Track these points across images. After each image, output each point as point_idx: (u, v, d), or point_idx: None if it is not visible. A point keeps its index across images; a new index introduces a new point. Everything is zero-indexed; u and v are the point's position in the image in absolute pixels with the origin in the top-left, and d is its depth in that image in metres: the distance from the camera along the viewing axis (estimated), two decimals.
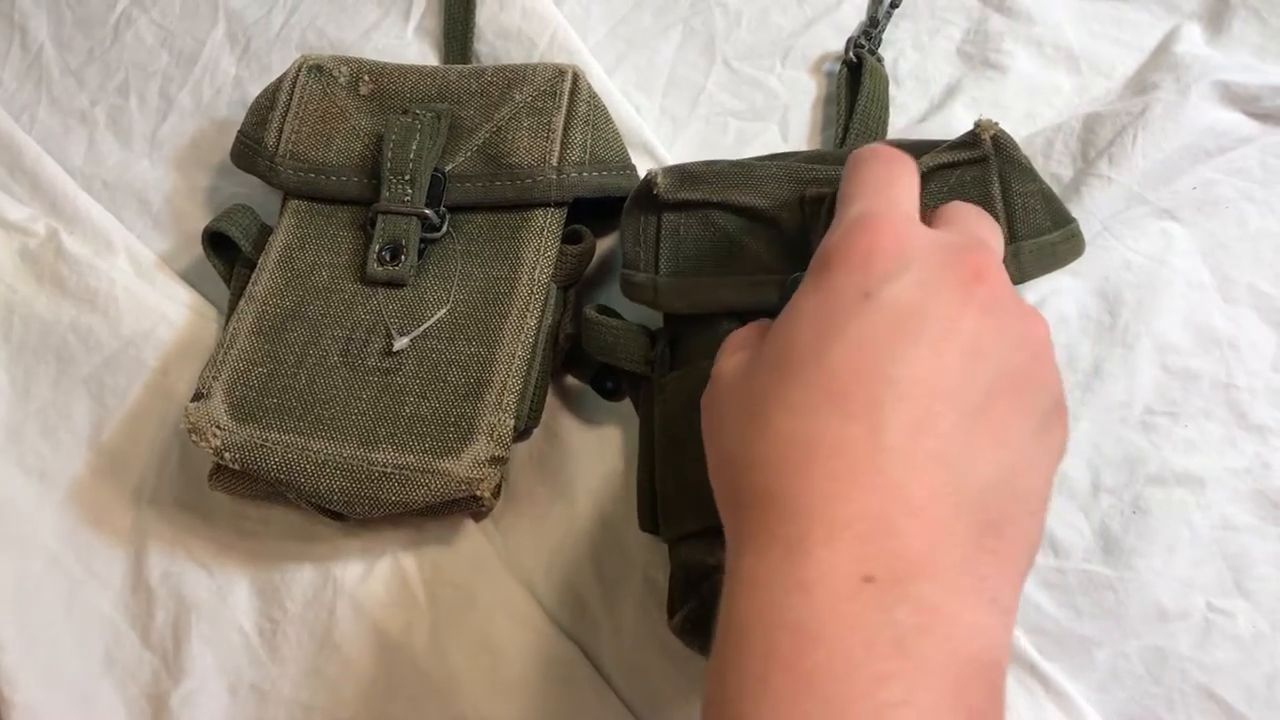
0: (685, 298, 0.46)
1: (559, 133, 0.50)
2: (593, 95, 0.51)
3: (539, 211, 0.50)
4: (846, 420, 0.30)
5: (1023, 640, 0.42)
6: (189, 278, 0.56)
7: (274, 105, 0.53)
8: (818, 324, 0.32)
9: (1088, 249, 0.48)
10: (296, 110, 0.52)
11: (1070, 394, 0.46)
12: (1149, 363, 0.46)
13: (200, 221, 0.53)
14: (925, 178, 0.43)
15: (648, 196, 0.47)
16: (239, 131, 0.54)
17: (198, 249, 0.54)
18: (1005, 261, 0.40)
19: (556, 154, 0.50)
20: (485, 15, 0.60)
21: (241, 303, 0.49)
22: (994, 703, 0.28)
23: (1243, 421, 0.45)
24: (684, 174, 0.47)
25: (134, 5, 0.64)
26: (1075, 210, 0.49)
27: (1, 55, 0.64)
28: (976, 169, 0.45)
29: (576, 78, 0.51)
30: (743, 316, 0.45)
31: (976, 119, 0.45)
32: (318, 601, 0.47)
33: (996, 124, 0.45)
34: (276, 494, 0.47)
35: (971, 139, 0.45)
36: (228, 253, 0.52)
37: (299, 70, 0.53)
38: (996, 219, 0.43)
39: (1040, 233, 0.44)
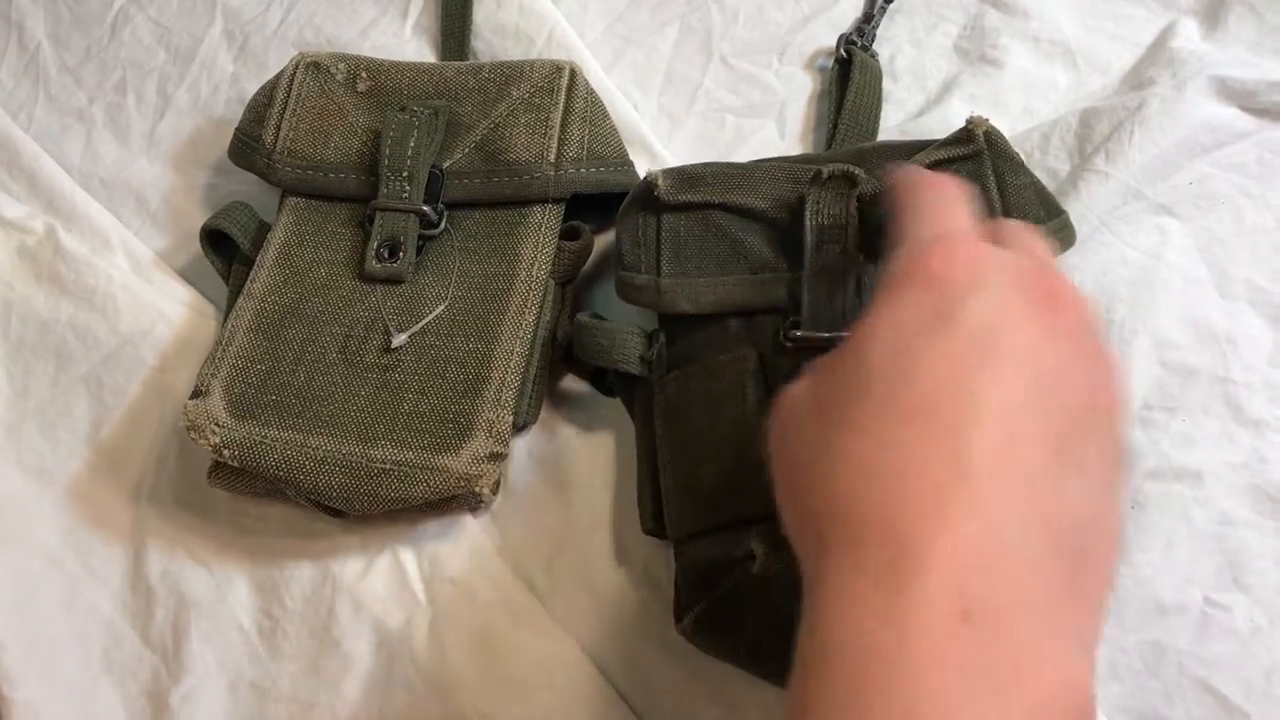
0: (691, 298, 0.46)
1: (556, 129, 0.50)
2: (590, 91, 0.51)
3: (537, 208, 0.50)
4: (928, 444, 0.29)
5: None
6: (187, 275, 0.56)
7: (271, 103, 0.53)
8: (894, 344, 0.31)
9: (1085, 244, 0.49)
10: (294, 107, 0.52)
11: None
12: (1146, 358, 0.46)
13: (198, 219, 0.53)
14: None
15: (647, 198, 0.47)
16: (236, 129, 0.54)
17: (195, 247, 0.54)
18: None
19: (554, 150, 0.50)
20: (483, 13, 0.60)
21: (240, 300, 0.49)
22: None
23: (1240, 416, 0.45)
24: (684, 176, 0.47)
25: (131, 3, 0.64)
26: (1072, 205, 0.50)
27: None
28: (972, 164, 0.45)
29: (574, 74, 0.51)
30: (749, 315, 0.45)
31: (969, 116, 0.46)
32: (317, 598, 0.47)
33: (987, 120, 0.46)
34: (275, 491, 0.47)
35: (965, 135, 0.45)
36: (226, 250, 0.52)
37: (296, 67, 0.53)
38: (993, 212, 0.44)
39: (1035, 222, 0.45)
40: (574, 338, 0.47)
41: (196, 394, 0.47)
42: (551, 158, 0.50)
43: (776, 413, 0.34)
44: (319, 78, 0.53)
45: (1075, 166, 0.51)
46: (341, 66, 0.53)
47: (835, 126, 0.53)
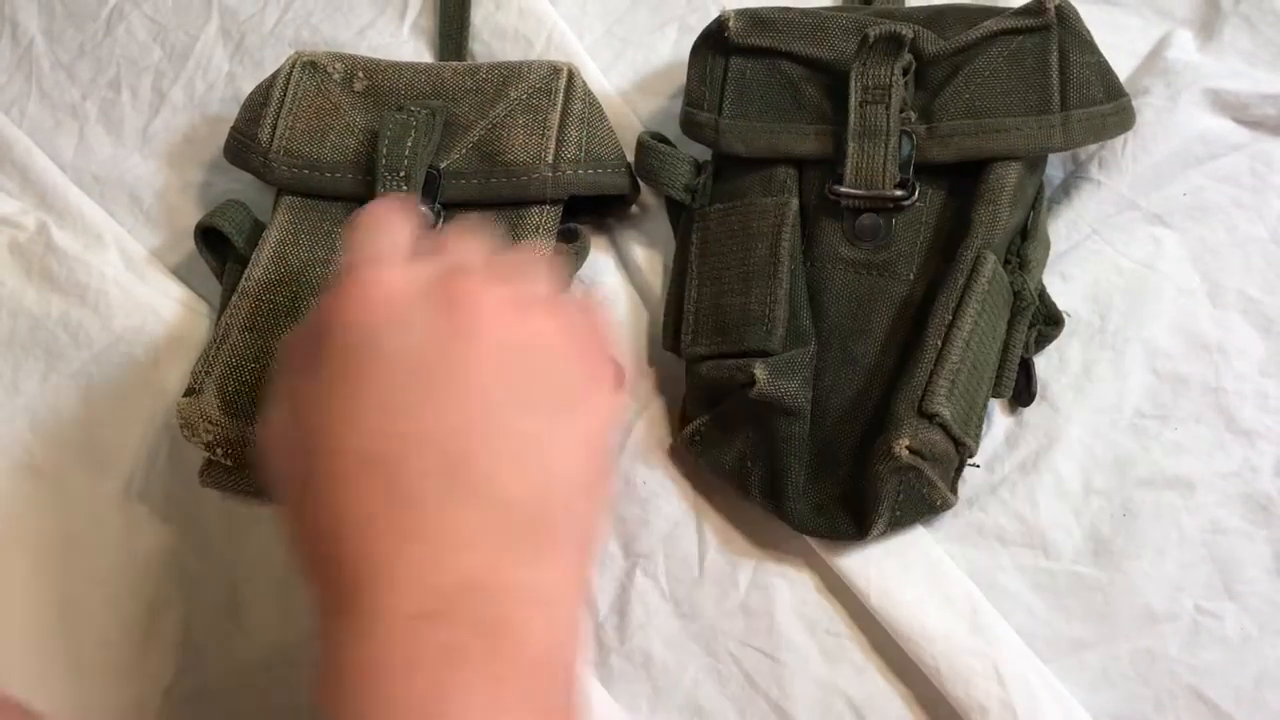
0: (746, 141, 0.49)
1: (554, 130, 0.50)
2: (588, 93, 0.51)
3: (534, 209, 0.50)
4: (375, 480, 0.32)
5: (1015, 641, 0.43)
6: (180, 273, 0.56)
7: (268, 101, 0.53)
8: (335, 384, 0.34)
9: (1077, 252, 0.49)
10: (290, 106, 0.52)
11: (1061, 395, 0.47)
12: (1139, 366, 0.47)
13: (192, 217, 0.53)
14: (985, 42, 0.46)
15: (718, 38, 0.50)
16: (232, 127, 0.54)
17: (189, 244, 0.53)
18: (1052, 129, 0.44)
19: (552, 151, 0.50)
20: (481, 14, 0.59)
21: (234, 298, 0.49)
22: (562, 698, 0.32)
23: (1231, 425, 0.45)
24: (755, 18, 0.50)
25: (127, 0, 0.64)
26: (1065, 213, 0.50)
27: None
28: (1037, 37, 0.46)
29: (572, 75, 0.51)
30: (799, 164, 0.48)
31: None
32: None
33: None
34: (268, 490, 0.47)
35: (1037, 7, 0.47)
36: (220, 248, 0.52)
37: (293, 66, 0.53)
38: (1050, 87, 0.46)
39: (1092, 103, 0.46)
40: (636, 153, 0.50)
41: (190, 392, 0.47)
42: (549, 159, 0.50)
43: (263, 448, 0.37)
44: (316, 77, 0.53)
45: (1069, 174, 0.51)
46: (338, 66, 0.53)
47: None
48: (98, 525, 0.50)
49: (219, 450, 0.45)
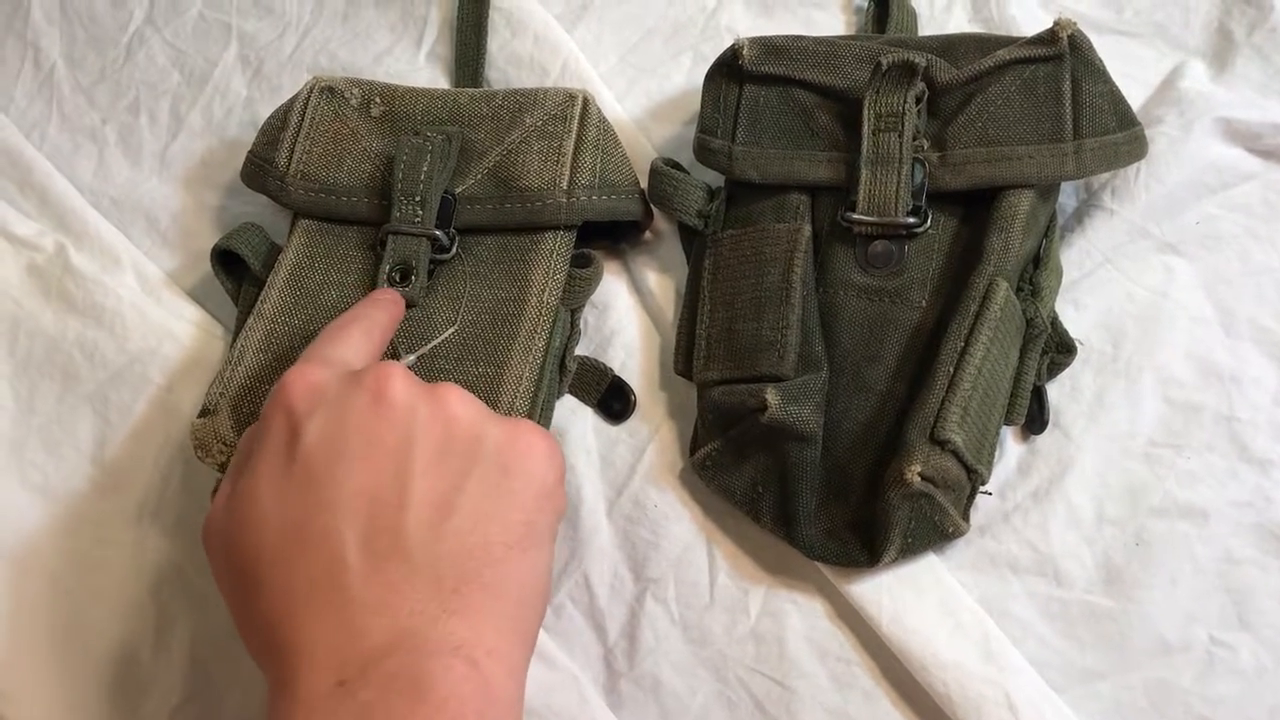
0: (759, 168, 0.49)
1: (569, 156, 0.50)
2: (602, 120, 0.52)
3: (549, 234, 0.50)
4: (304, 558, 0.35)
5: (1026, 669, 0.42)
6: (196, 295, 0.56)
7: (285, 125, 0.53)
8: (264, 480, 0.37)
9: (1090, 280, 0.49)
10: (308, 131, 0.53)
11: (1073, 423, 0.47)
12: (1151, 395, 0.47)
13: (208, 240, 0.53)
14: (998, 71, 0.47)
15: (732, 65, 0.50)
16: (249, 151, 0.54)
17: (205, 267, 0.54)
18: (1065, 157, 0.45)
19: (566, 177, 0.50)
20: (497, 42, 0.60)
21: (250, 320, 0.49)
22: None
23: (1245, 454, 0.45)
24: (769, 46, 0.50)
25: (147, 25, 0.65)
26: (1078, 241, 0.50)
27: (14, 73, 0.65)
28: (1050, 66, 0.47)
29: (586, 102, 0.51)
30: (813, 191, 0.49)
31: (1056, 17, 0.47)
32: None
33: (1074, 23, 0.46)
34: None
35: (1049, 36, 0.47)
36: (236, 271, 0.53)
37: (311, 91, 0.54)
38: (1063, 116, 0.46)
39: (1105, 132, 0.46)
40: (649, 180, 0.51)
41: (204, 412, 0.47)
42: (564, 185, 0.50)
43: (205, 540, 0.39)
44: (333, 102, 0.53)
45: (1082, 202, 0.51)
46: (356, 91, 0.54)
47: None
48: (109, 545, 0.50)
49: None
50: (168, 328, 0.54)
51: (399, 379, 0.38)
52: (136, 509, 0.51)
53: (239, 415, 0.47)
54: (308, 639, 0.34)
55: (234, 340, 0.50)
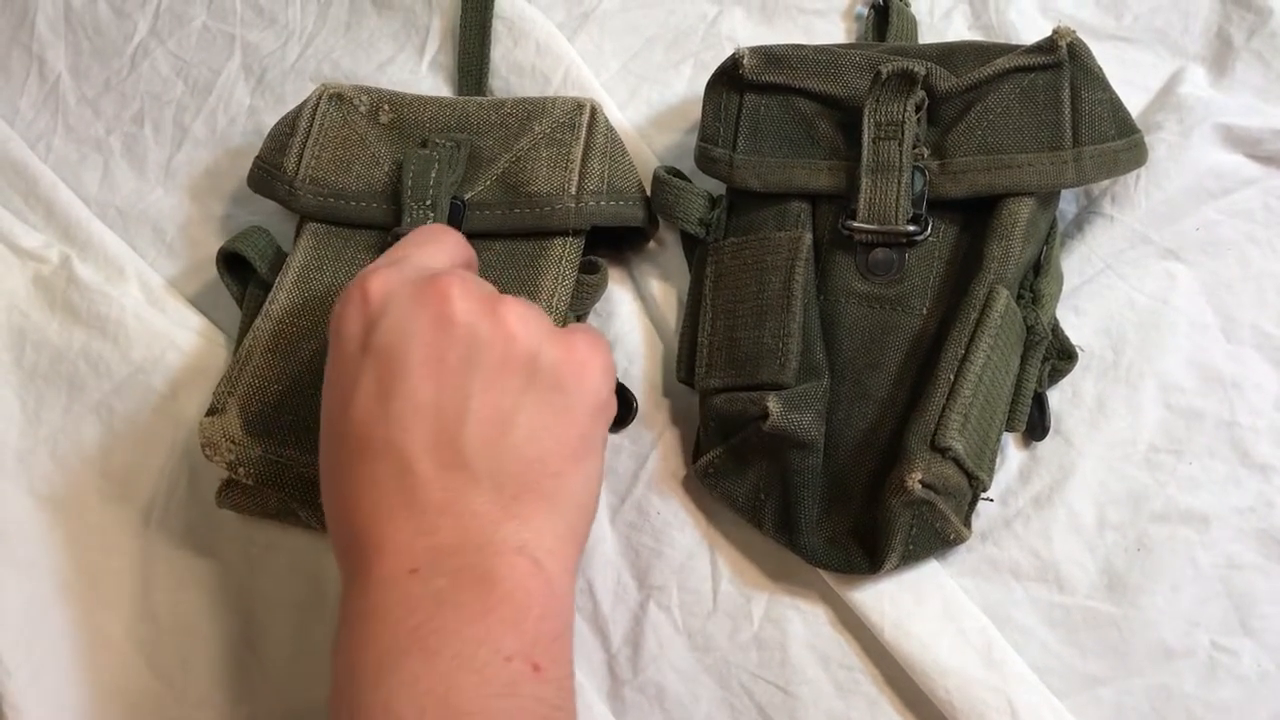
0: (760, 176, 0.50)
1: (577, 163, 0.51)
2: (610, 127, 0.52)
3: (557, 240, 0.50)
4: (375, 464, 0.37)
5: (1029, 676, 0.43)
6: (200, 304, 0.56)
7: (294, 132, 0.53)
8: (339, 384, 0.39)
9: (1091, 287, 0.49)
10: (317, 137, 0.53)
11: (1074, 429, 0.47)
12: (1153, 401, 0.47)
13: (213, 249, 0.54)
14: (998, 79, 0.47)
15: (733, 74, 0.50)
16: (257, 158, 0.55)
17: (209, 275, 0.54)
18: (1065, 165, 0.46)
19: (575, 184, 0.50)
20: (499, 51, 0.60)
21: (257, 321, 0.49)
22: (544, 643, 0.36)
23: (1246, 460, 0.45)
24: (769, 55, 0.50)
25: (151, 36, 0.65)
26: (1078, 247, 0.50)
27: (19, 84, 0.65)
28: (1049, 74, 0.47)
29: (594, 111, 0.52)
30: (813, 199, 0.49)
31: (1055, 26, 0.47)
32: (326, 629, 0.47)
33: (1073, 32, 0.47)
34: (285, 512, 0.47)
35: (1048, 44, 0.47)
36: (241, 274, 0.53)
37: (320, 98, 0.54)
38: (1062, 124, 0.46)
39: (1104, 139, 0.46)
40: (651, 189, 0.51)
41: (212, 411, 0.47)
42: (572, 190, 0.50)
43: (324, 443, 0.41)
44: (342, 109, 0.54)
45: (1082, 209, 0.51)
46: (364, 99, 0.54)
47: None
48: (116, 554, 0.50)
49: (241, 470, 0.46)
50: (171, 337, 0.54)
51: (459, 296, 0.39)
52: (143, 517, 0.51)
53: (247, 414, 0.47)
54: (380, 535, 0.37)
55: (240, 342, 0.50)
